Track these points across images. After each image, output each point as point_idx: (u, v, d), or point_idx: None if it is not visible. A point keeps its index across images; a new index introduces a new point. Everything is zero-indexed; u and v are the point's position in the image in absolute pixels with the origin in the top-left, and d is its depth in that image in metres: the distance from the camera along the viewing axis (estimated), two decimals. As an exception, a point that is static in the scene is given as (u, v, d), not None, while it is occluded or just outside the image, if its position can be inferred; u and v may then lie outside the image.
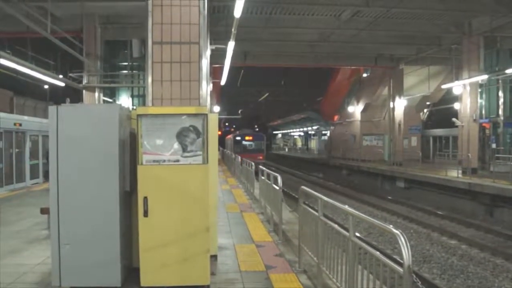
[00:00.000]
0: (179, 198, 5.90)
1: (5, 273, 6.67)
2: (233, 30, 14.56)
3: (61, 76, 20.37)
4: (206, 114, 5.94)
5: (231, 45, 16.84)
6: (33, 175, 20.83)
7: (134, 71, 25.89)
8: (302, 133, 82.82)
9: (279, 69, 65.66)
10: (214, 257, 7.22)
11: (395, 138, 34.09)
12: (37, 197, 15.49)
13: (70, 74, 21.39)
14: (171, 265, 5.83)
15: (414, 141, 38.37)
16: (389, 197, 26.22)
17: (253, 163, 17.05)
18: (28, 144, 20.18)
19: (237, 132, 53.79)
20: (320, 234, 5.84)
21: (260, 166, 13.63)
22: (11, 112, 29.84)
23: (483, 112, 26.49)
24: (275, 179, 9.99)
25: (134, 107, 19.37)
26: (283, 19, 23.18)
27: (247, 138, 49.67)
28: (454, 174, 23.48)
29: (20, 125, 19.45)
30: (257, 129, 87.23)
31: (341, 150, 44.51)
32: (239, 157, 23.52)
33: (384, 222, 14.96)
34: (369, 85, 40.30)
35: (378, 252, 4.41)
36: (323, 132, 60.64)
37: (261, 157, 44.02)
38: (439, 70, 31.64)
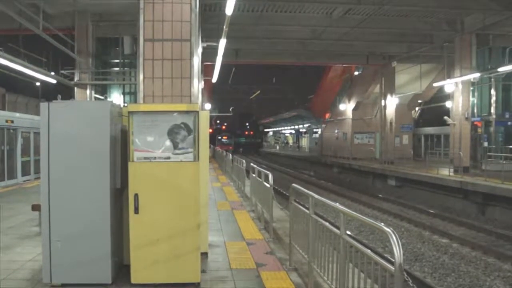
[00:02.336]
0: (170, 195, 5.90)
1: (-4, 269, 6.64)
2: (224, 27, 14.54)
3: (52, 73, 20.27)
4: (197, 111, 5.94)
5: (222, 42, 16.82)
6: (25, 172, 20.75)
7: (125, 68, 25.90)
8: (293, 131, 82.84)
9: (271, 67, 66.21)
10: (204, 255, 7.21)
11: (386, 136, 34.05)
12: (28, 193, 15.42)
13: (62, 71, 21.31)
14: (161, 262, 5.84)
15: (406, 139, 38.51)
16: (380, 195, 26.26)
17: (243, 161, 17.35)
18: (19, 141, 20.09)
19: (221, 133, 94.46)
20: (311, 232, 5.82)
21: (251, 164, 13.66)
22: (3, 109, 29.81)
23: (475, 110, 26.57)
24: (266, 177, 9.98)
25: (126, 104, 19.33)
26: (274, 16, 23.14)
27: (224, 137, 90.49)
28: (446, 172, 23.55)
29: (12, 122, 19.36)
30: (248, 127, 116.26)
31: (332, 148, 44.49)
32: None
33: (375, 220, 14.99)
34: (360, 83, 40.30)
35: (369, 250, 4.41)
36: (314, 130, 60.59)
37: (230, 147, 76.54)
38: (431, 68, 31.66)
